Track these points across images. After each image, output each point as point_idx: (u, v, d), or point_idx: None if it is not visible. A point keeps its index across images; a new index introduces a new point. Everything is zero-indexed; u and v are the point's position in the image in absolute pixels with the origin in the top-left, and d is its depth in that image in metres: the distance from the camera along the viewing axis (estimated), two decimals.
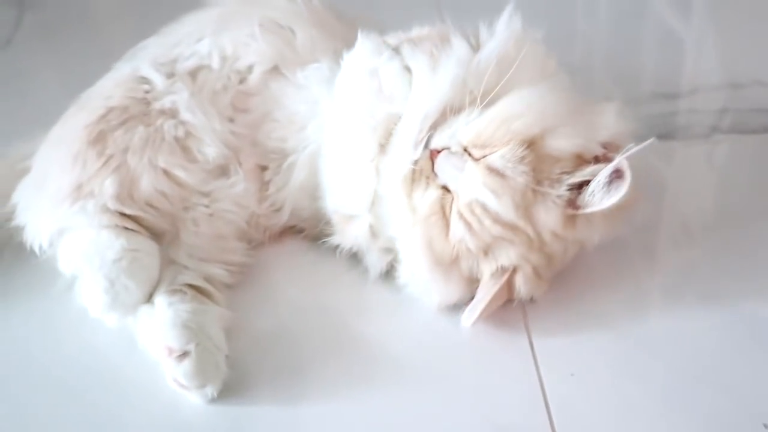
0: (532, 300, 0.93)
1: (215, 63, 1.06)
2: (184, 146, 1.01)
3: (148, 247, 0.97)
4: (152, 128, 1.00)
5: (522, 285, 0.90)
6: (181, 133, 1.01)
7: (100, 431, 0.86)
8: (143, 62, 1.07)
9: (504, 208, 0.86)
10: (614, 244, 0.99)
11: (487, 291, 0.90)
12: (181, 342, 0.87)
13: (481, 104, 0.91)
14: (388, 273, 1.00)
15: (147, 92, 1.03)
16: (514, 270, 0.90)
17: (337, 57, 1.04)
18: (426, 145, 0.93)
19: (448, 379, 0.89)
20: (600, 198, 0.85)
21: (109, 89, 1.05)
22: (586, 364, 0.89)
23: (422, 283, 0.95)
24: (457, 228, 0.89)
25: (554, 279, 0.96)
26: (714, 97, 1.37)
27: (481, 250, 0.89)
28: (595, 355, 0.90)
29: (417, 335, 0.94)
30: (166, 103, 1.02)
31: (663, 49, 1.56)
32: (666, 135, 1.27)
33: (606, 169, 0.84)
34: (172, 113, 1.02)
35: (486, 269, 0.91)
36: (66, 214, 0.97)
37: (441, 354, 0.92)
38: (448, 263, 0.91)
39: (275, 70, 1.05)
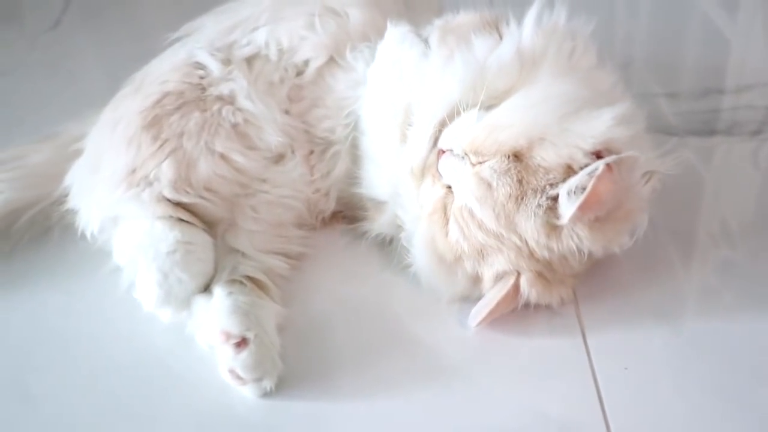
0: (547, 307, 0.92)
1: (273, 54, 1.05)
2: (242, 133, 1.01)
3: (202, 239, 0.97)
4: (208, 113, 1.00)
5: (528, 289, 0.89)
6: (239, 119, 1.00)
7: (149, 418, 0.86)
8: (198, 46, 1.07)
9: (486, 217, 0.87)
10: (672, 237, 1.00)
11: (493, 295, 0.90)
12: (240, 328, 0.86)
13: (485, 106, 0.91)
14: None
15: (202, 78, 1.03)
16: (519, 274, 0.89)
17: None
18: (437, 142, 0.93)
19: (499, 372, 0.88)
20: (565, 206, 0.84)
21: (165, 74, 1.04)
22: (639, 358, 0.88)
23: (428, 278, 0.95)
24: (453, 229, 0.90)
25: (604, 273, 0.95)
26: (762, 94, 1.34)
27: (477, 253, 0.89)
28: (649, 349, 0.89)
29: (467, 330, 0.93)
30: (223, 89, 1.02)
31: (709, 44, 1.54)
32: (711, 132, 1.26)
33: (574, 178, 0.83)
34: (229, 100, 1.01)
35: (486, 273, 0.90)
36: (120, 200, 0.97)
37: (492, 347, 0.91)
38: (451, 261, 0.91)
39: (330, 60, 1.05)
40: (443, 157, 0.92)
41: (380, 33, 1.05)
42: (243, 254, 0.98)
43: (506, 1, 1.04)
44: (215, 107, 1.00)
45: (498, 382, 0.87)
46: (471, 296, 0.94)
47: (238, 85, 1.02)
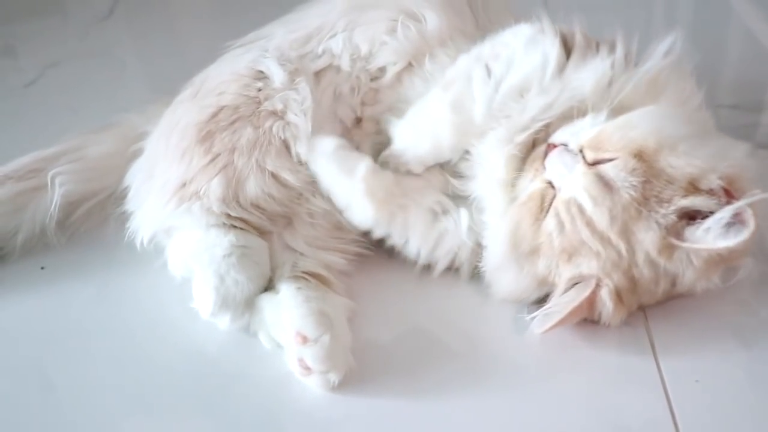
0: (603, 324, 0.90)
1: (345, 64, 1.04)
2: (290, 147, 0.99)
3: (257, 243, 0.97)
4: (260, 130, 0.98)
5: (606, 303, 0.87)
6: (288, 134, 0.99)
7: (211, 415, 0.86)
8: (265, 54, 1.05)
9: (599, 216, 0.85)
10: None
11: (569, 302, 0.87)
12: (317, 332, 0.86)
13: (611, 112, 0.90)
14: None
15: (260, 90, 1.01)
16: (598, 286, 0.87)
17: (463, 41, 1.03)
18: (545, 139, 0.93)
19: (568, 381, 0.88)
20: (714, 237, 0.82)
21: (223, 84, 1.03)
22: (710, 370, 0.87)
23: (495, 266, 0.93)
24: (549, 222, 0.88)
25: None
26: None
27: (566, 253, 0.88)
28: (720, 362, 0.88)
29: (535, 340, 0.92)
30: (277, 104, 1.00)
31: (749, 58, 1.52)
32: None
33: (729, 208, 0.81)
34: (281, 114, 1.00)
35: (566, 273, 0.88)
36: (172, 215, 0.97)
37: (560, 356, 0.90)
38: (526, 252, 0.90)
39: (409, 65, 1.04)
40: (554, 151, 0.91)
41: (456, 36, 1.04)
42: (301, 252, 0.98)
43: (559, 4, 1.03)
44: (267, 123, 0.99)
45: (565, 392, 0.86)
46: (523, 299, 0.93)
47: (299, 96, 1.00)
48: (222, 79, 1.04)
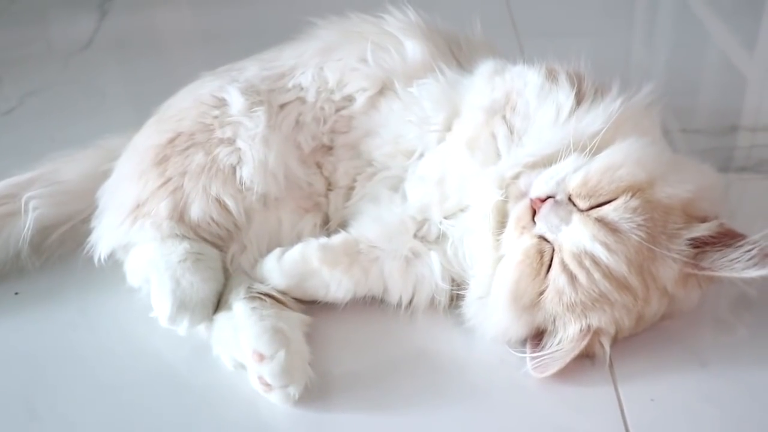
0: (589, 356, 0.90)
1: (311, 96, 1.07)
2: (236, 173, 1.02)
3: (210, 251, 1.00)
4: (210, 156, 1.01)
5: (605, 347, 0.88)
6: (235, 160, 1.02)
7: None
8: (233, 83, 1.07)
9: (616, 263, 0.84)
10: None
11: (568, 351, 0.87)
12: (273, 349, 0.87)
13: (589, 153, 0.89)
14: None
15: (215, 117, 1.04)
16: (597, 333, 0.88)
17: (445, 75, 1.05)
18: (525, 194, 0.91)
19: (525, 400, 0.88)
20: (742, 267, 0.82)
21: (184, 111, 1.06)
22: (667, 389, 0.88)
23: (490, 315, 0.92)
24: (558, 279, 0.86)
25: None
26: None
27: (578, 306, 0.86)
28: (677, 381, 0.89)
29: (494, 357, 0.93)
30: (227, 131, 1.03)
31: (726, 83, 1.55)
32: (725, 169, 1.27)
33: (755, 242, 0.82)
34: (229, 141, 1.02)
35: (572, 326, 0.87)
36: (128, 233, 1.00)
37: (517, 374, 0.91)
38: (526, 306, 0.88)
39: (385, 90, 1.06)
40: (544, 207, 0.88)
41: (435, 70, 1.05)
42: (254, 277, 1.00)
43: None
44: (217, 150, 1.02)
45: (521, 409, 0.88)
46: (512, 341, 0.93)
47: (252, 123, 1.03)
48: (184, 105, 1.07)
